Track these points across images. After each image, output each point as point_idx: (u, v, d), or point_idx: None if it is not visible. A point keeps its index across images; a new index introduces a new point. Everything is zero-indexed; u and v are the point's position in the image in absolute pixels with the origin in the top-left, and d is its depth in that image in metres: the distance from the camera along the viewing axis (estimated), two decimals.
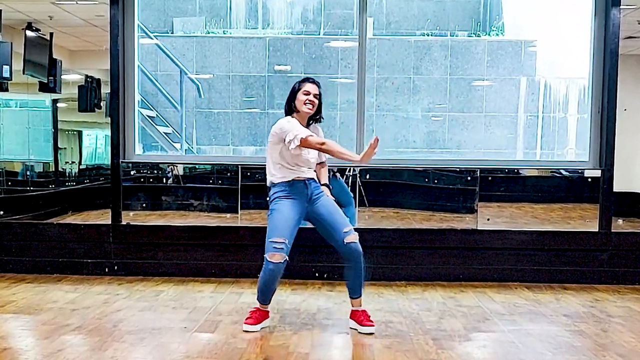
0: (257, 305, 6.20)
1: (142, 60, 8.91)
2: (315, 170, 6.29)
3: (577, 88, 11.15)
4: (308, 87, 6.15)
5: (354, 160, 5.89)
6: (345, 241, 5.97)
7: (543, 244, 8.18)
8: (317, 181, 6.27)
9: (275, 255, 5.88)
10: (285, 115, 6.23)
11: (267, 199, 6.18)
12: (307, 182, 6.10)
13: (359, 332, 6.01)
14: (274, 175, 6.13)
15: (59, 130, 9.08)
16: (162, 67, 11.37)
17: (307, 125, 6.20)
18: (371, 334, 5.97)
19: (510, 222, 8.33)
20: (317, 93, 6.17)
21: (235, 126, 11.64)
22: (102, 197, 8.50)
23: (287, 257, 5.93)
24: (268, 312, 6.25)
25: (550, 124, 11.54)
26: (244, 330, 5.99)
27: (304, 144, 5.89)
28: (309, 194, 6.08)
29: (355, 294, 6.16)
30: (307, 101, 6.09)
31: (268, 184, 6.22)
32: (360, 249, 6.00)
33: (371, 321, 6.10)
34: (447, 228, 8.28)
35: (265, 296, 6.13)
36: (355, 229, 6.10)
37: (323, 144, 5.94)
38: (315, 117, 6.29)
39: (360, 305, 6.18)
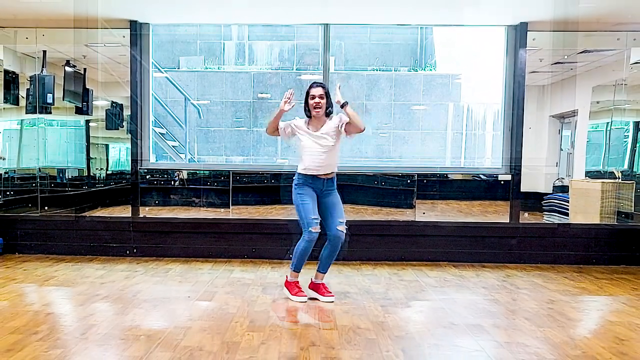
0: (289, 277, 6.13)
1: (155, 90, 8.89)
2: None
3: (492, 111, 11.24)
4: (312, 91, 5.87)
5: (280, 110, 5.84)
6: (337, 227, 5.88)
7: (466, 232, 8.22)
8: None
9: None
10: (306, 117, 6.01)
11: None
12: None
13: (321, 301, 5.98)
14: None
15: (90, 144, 9.04)
16: (170, 94, 11.38)
17: (327, 118, 5.95)
18: (331, 302, 5.95)
19: (441, 215, 8.36)
20: (322, 94, 5.85)
21: (228, 141, 11.65)
22: (124, 195, 8.47)
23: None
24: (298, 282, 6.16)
25: (472, 139, 11.63)
26: (296, 301, 5.97)
27: None
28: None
29: (323, 269, 6.07)
30: (313, 104, 5.83)
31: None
32: (343, 238, 5.91)
33: (330, 292, 6.05)
34: (392, 220, 8.31)
35: (301, 262, 6.00)
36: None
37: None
38: (328, 113, 5.93)
39: (322, 280, 6.12)
